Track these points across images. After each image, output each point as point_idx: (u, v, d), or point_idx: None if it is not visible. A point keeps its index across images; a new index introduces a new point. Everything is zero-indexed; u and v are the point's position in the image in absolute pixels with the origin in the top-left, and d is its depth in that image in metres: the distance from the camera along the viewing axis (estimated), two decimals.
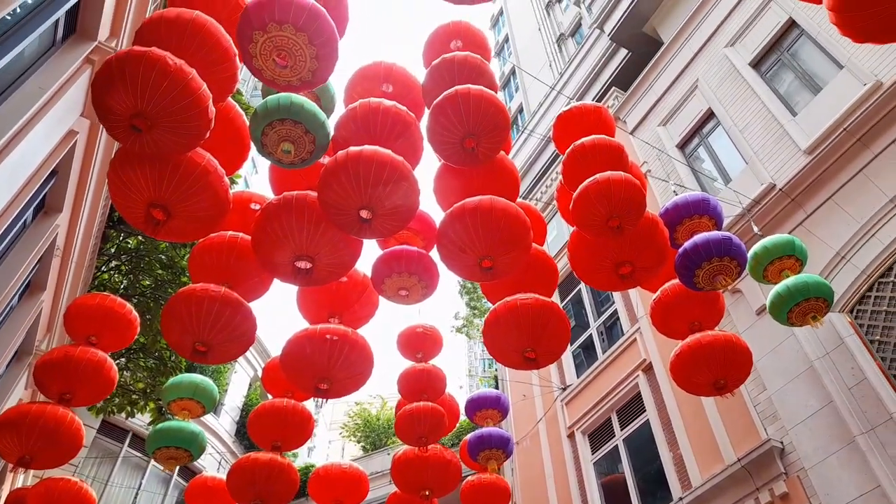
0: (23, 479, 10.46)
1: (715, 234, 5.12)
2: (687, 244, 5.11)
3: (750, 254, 5.49)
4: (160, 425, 6.48)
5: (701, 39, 10.78)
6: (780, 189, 7.73)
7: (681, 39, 11.36)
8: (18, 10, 4.56)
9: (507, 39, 26.77)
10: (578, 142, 5.23)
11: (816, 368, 6.71)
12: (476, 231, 4.49)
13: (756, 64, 9.43)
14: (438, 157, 5.13)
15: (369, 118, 4.89)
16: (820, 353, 6.74)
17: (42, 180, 5.48)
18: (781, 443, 6.83)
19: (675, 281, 5.60)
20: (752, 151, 8.67)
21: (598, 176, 4.76)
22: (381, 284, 5.25)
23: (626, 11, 13.06)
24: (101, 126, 6.36)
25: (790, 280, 5.26)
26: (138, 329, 6.28)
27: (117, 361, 9.84)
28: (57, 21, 5.21)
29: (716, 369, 5.23)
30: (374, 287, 5.38)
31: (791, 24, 9.01)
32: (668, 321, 5.70)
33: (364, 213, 4.23)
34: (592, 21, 15.22)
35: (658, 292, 5.78)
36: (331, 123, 4.84)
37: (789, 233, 7.32)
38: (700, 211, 5.50)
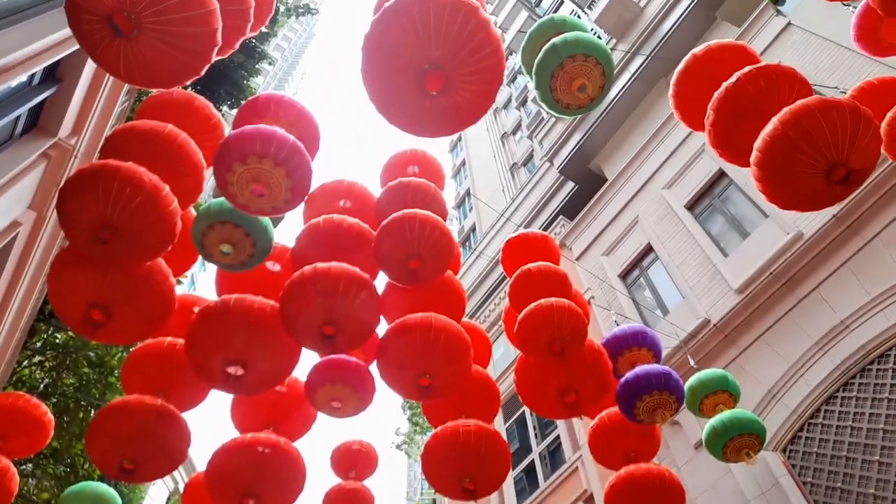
0: None
1: (655, 367, 5.28)
2: (629, 375, 5.23)
3: (686, 386, 5.65)
4: None
5: (641, 179, 11.63)
6: (715, 325, 8.10)
7: (623, 178, 12.23)
8: None
9: (463, 163, 28.16)
10: (525, 267, 5.44)
11: None
12: (415, 347, 4.51)
13: (691, 206, 10.18)
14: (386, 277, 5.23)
15: (332, 233, 5.00)
16: (756, 493, 6.78)
17: None
18: None
19: (614, 409, 5.66)
20: (688, 286, 9.13)
21: (542, 301, 4.92)
22: (313, 394, 5.10)
23: (573, 149, 14.05)
24: (47, 220, 6.28)
25: (724, 415, 5.39)
26: (52, 433, 5.83)
27: (22, 468, 9.02)
28: (18, 117, 5.27)
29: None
30: (307, 396, 5.23)
31: (721, 174, 9.86)
32: (605, 450, 5.72)
33: (327, 329, 4.22)
34: (543, 154, 16.26)
35: (596, 419, 5.81)
36: (275, 230, 4.91)
37: (724, 368, 7.56)
38: (639, 342, 5.69)
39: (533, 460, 11.41)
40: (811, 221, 7.77)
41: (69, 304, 4.13)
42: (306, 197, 4.76)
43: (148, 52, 3.06)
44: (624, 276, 10.90)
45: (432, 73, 3.29)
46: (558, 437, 11.03)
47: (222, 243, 4.40)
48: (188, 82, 3.36)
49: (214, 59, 3.47)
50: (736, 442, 5.31)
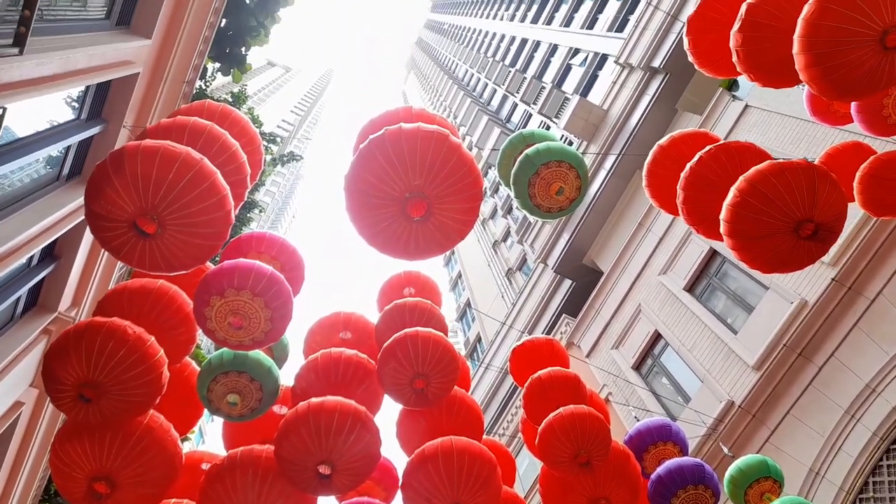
0: None
1: (687, 459, 5.05)
2: (660, 470, 5.00)
3: (726, 478, 5.38)
4: None
5: (636, 268, 11.72)
6: (740, 406, 7.84)
7: (618, 269, 12.33)
8: None
9: (459, 275, 28.44)
10: (535, 375, 5.35)
11: None
12: (440, 477, 4.33)
13: (690, 288, 10.19)
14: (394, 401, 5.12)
15: (330, 368, 4.95)
16: None
17: None
18: None
19: None
20: (704, 369, 8.93)
21: (561, 411, 4.79)
22: None
23: (564, 247, 14.28)
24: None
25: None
26: None
27: None
28: (18, 298, 5.36)
29: None
30: None
31: (713, 253, 9.96)
32: None
33: (323, 469, 4.06)
34: (536, 256, 16.49)
35: None
36: (280, 371, 4.86)
37: (758, 451, 7.25)
38: (664, 437, 5.48)
39: None
40: (812, 287, 7.76)
41: (72, 480, 4.01)
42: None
43: (172, 244, 3.21)
44: (637, 367, 10.69)
45: (414, 201, 3.43)
46: None
47: (228, 394, 4.34)
48: (206, 263, 3.48)
49: None
50: None
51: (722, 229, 3.70)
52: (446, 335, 5.27)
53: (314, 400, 4.22)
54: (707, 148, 4.11)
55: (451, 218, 3.61)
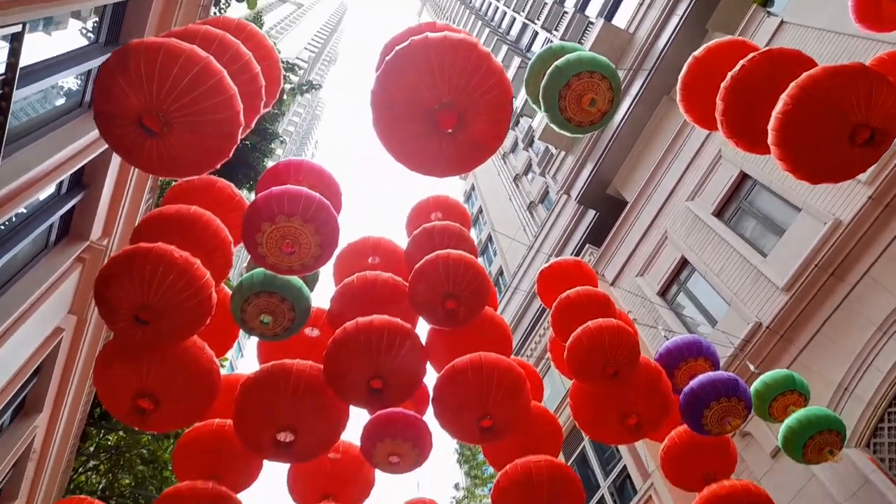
0: None
1: (720, 373, 5.06)
2: (693, 383, 5.02)
3: (751, 391, 5.41)
4: None
5: (663, 195, 11.51)
6: (767, 327, 7.81)
7: (644, 197, 12.12)
8: (14, 218, 4.78)
9: (480, 210, 28.31)
10: (564, 294, 5.34)
11: None
12: (470, 389, 4.40)
13: (719, 213, 10.00)
14: (425, 321, 5.17)
15: (366, 290, 4.99)
16: (847, 494, 6.36)
17: (25, 379, 5.35)
18: None
19: (682, 427, 5.42)
20: (731, 293, 8.87)
21: (589, 324, 4.80)
22: (371, 450, 4.97)
23: (588, 177, 14.04)
24: (88, 322, 6.39)
25: (799, 413, 5.14)
26: None
27: None
28: (51, 225, 5.44)
29: None
30: (363, 454, 5.10)
31: (744, 176, 9.71)
32: (681, 472, 5.43)
33: (375, 383, 4.16)
34: (559, 188, 16.29)
35: (666, 441, 5.56)
36: (311, 295, 4.92)
37: (786, 368, 7.25)
38: (694, 353, 5.48)
39: (602, 497, 10.93)
40: (847, 207, 7.56)
41: (117, 397, 4.14)
42: (335, 254, 4.77)
43: (180, 145, 3.14)
44: (663, 293, 10.66)
45: (444, 112, 3.32)
46: (624, 468, 10.59)
47: (261, 314, 4.41)
48: (218, 166, 3.43)
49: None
50: (816, 441, 5.02)
51: (770, 139, 3.53)
52: (476, 257, 5.26)
53: (361, 319, 4.27)
54: (750, 56, 3.90)
55: (481, 129, 3.51)
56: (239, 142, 4.13)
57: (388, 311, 4.82)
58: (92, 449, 10.09)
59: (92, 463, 10.21)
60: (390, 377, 4.19)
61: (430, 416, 5.29)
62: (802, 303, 7.62)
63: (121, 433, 10.29)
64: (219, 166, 3.40)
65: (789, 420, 5.16)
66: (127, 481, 10.02)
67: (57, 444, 7.27)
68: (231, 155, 3.44)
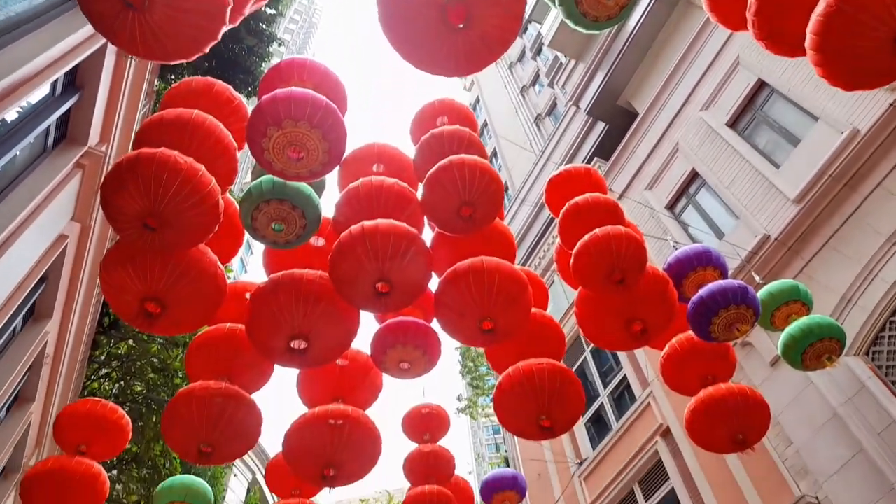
0: None
1: (730, 282, 5.05)
2: (703, 291, 5.02)
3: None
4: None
5: (675, 107, 11.16)
6: (776, 239, 7.76)
7: (655, 109, 11.76)
8: (8, 119, 4.64)
9: (485, 124, 27.71)
10: (573, 201, 5.25)
11: (841, 416, 6.47)
12: (471, 293, 4.40)
13: (733, 124, 9.72)
14: (432, 228, 5.12)
15: (371, 196, 4.90)
16: (842, 400, 6.52)
17: (32, 286, 5.37)
18: (816, 498, 6.48)
19: (685, 334, 5.48)
20: (741, 206, 8.76)
21: (596, 231, 4.73)
22: (381, 356, 5.06)
23: (598, 87, 13.58)
24: (92, 229, 6.35)
25: (800, 321, 5.17)
26: (130, 435, 5.98)
27: (109, 474, 9.35)
28: (48, 128, 5.29)
29: (733, 423, 5.06)
30: (374, 360, 5.19)
31: (761, 84, 9.36)
32: (680, 376, 5.54)
33: (381, 286, 4.15)
34: (567, 99, 15.81)
35: (667, 347, 5.63)
36: (320, 201, 4.85)
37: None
38: (703, 262, 5.45)
39: (601, 406, 11.30)
40: (865, 115, 7.31)
41: (124, 300, 4.15)
42: (342, 160, 4.66)
43: (162, 21, 2.97)
44: (671, 206, 10.55)
45: (454, 6, 3.15)
46: (623, 378, 10.88)
47: (272, 222, 4.35)
48: (206, 49, 3.25)
49: (227, 26, 3.36)
50: (816, 348, 5.08)
51: (808, 43, 3.31)
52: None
53: (367, 223, 4.21)
54: None
55: (494, 24, 3.33)
56: (235, 42, 3.91)
57: (394, 218, 4.75)
58: (103, 357, 10.36)
59: (104, 371, 10.51)
60: (396, 281, 4.17)
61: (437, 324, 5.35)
62: (813, 214, 7.52)
63: (130, 342, 10.53)
64: (207, 50, 3.23)
65: (790, 328, 5.20)
66: (139, 388, 10.34)
67: (69, 349, 7.44)
68: (219, 38, 3.27)
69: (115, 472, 10.20)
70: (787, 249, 7.63)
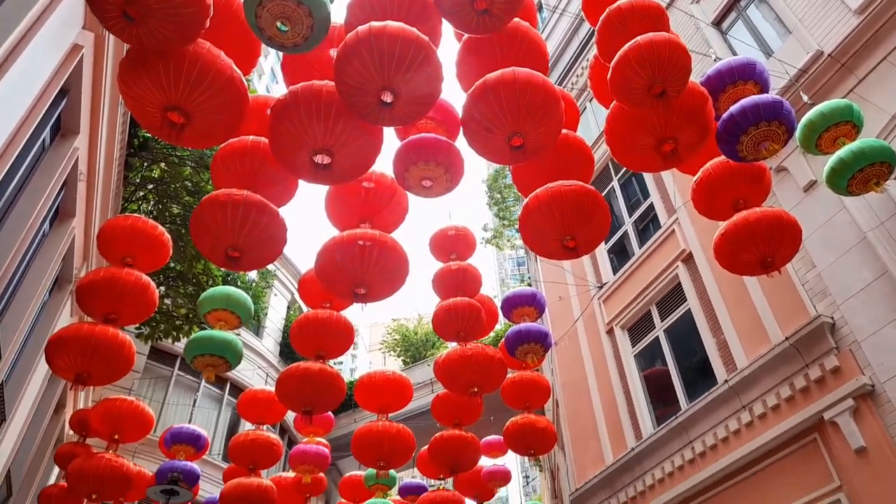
0: (83, 401, 10.95)
1: (764, 96, 4.73)
2: (733, 108, 4.74)
3: (803, 122, 5.11)
4: (196, 335, 6.61)
5: None
6: (829, 54, 7.16)
7: None
8: None
9: None
10: (614, 5, 4.81)
11: (870, 240, 6.40)
12: (501, 107, 4.22)
13: None
14: (454, 28, 4.79)
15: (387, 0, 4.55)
16: (874, 224, 6.41)
17: (52, 98, 5.30)
18: (832, 318, 6.64)
19: (718, 159, 5.29)
20: (796, 18, 8.00)
21: (638, 38, 4.38)
22: (404, 173, 5.02)
23: None
24: (108, 40, 6.11)
25: (853, 145, 4.88)
26: (171, 249, 6.25)
27: (157, 289, 10.04)
28: None
29: (763, 246, 5.01)
30: (396, 178, 5.17)
31: None
32: (712, 201, 5.43)
33: (385, 96, 3.98)
34: None
35: (700, 172, 5.47)
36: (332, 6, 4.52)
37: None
38: (745, 76, 5.09)
39: (625, 234, 11.41)
40: None
41: (147, 111, 4.11)
42: None
43: None
44: (718, 22, 9.71)
45: None
46: (651, 207, 10.84)
47: (276, 20, 4.08)
48: None
49: None
50: (866, 172, 4.82)
51: None
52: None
53: (374, 24, 3.94)
54: None
55: None
56: None
57: (411, 24, 4.44)
58: (138, 180, 10.58)
59: (141, 193, 10.79)
60: (401, 90, 3.98)
61: (461, 142, 5.23)
62: (875, 26, 6.83)
63: (163, 166, 10.67)
64: None
65: (842, 151, 4.91)
66: (176, 210, 10.66)
67: (102, 166, 7.56)
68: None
69: (163, 287, 10.88)
70: (840, 66, 7.05)
